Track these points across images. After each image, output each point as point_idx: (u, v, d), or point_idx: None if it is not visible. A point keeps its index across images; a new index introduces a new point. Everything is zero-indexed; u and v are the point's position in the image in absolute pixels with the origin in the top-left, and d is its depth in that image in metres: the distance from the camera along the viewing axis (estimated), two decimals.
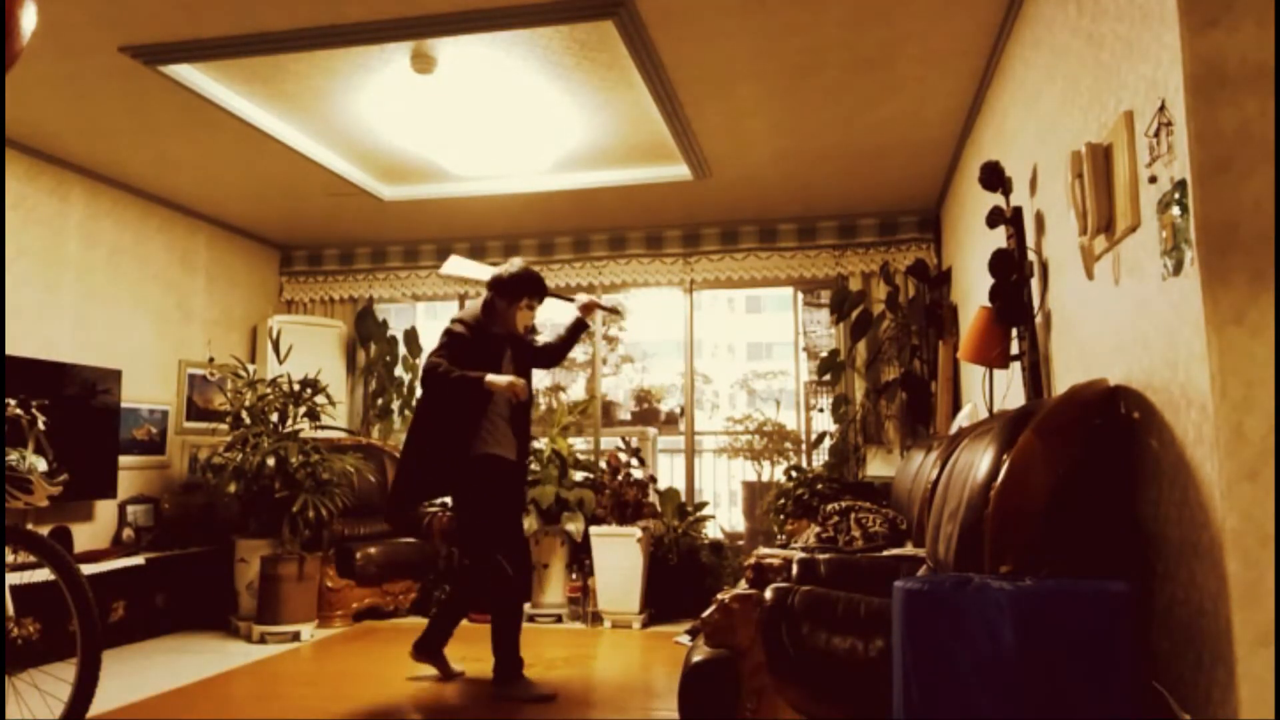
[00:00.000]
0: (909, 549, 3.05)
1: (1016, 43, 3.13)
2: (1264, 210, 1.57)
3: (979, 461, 1.99)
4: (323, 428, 5.18)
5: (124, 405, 4.92)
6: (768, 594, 2.01)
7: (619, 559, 5.02)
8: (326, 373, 5.65)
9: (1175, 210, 1.67)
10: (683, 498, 5.77)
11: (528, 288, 3.67)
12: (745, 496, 6.21)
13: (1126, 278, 2.00)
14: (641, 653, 4.37)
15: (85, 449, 4.58)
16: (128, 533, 4.90)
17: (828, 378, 5.63)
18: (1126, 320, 2.00)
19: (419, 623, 5.07)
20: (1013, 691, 1.44)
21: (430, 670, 3.86)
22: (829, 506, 3.80)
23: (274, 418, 4.97)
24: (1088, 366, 2.32)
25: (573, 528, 5.14)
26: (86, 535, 4.72)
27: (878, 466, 5.41)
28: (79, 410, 4.60)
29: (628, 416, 7.02)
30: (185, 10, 3.17)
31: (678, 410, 6.86)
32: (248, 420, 4.90)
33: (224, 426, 5.00)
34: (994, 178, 3.04)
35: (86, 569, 3.14)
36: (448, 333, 3.61)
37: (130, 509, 4.97)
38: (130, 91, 3.81)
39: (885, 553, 2.97)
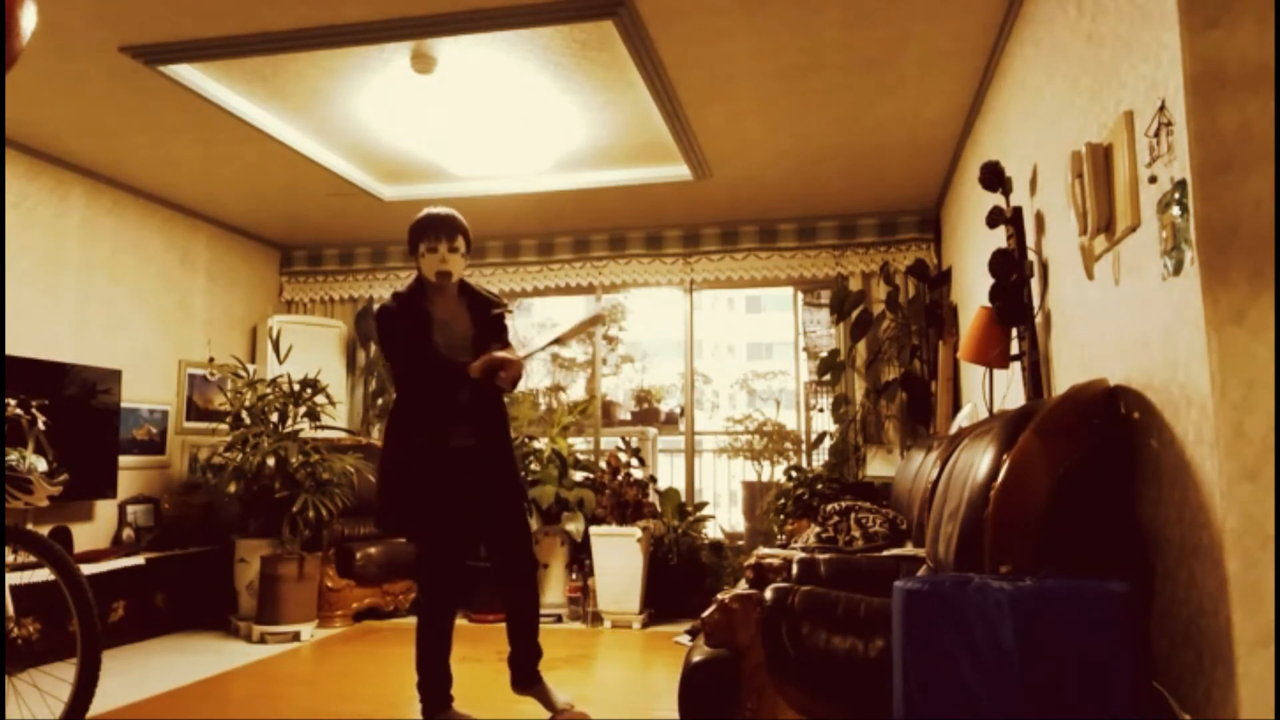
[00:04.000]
0: (909, 549, 3.04)
1: (1016, 42, 3.13)
2: (1264, 210, 1.57)
3: (979, 461, 1.99)
4: (323, 428, 5.18)
5: (124, 405, 4.92)
6: (768, 594, 2.01)
7: (619, 559, 5.02)
8: (326, 373, 5.65)
9: (1175, 210, 1.67)
10: (683, 498, 5.77)
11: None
12: (745, 496, 6.21)
13: (1126, 278, 2.00)
14: (641, 653, 4.37)
15: (85, 449, 4.57)
16: (128, 533, 4.90)
17: (828, 378, 5.63)
18: (1126, 320, 2.00)
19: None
20: (1013, 691, 1.44)
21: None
22: (829, 507, 3.80)
23: (274, 418, 4.97)
24: (1088, 366, 2.32)
25: (573, 528, 5.14)
26: (86, 535, 4.72)
27: (878, 466, 5.41)
28: (79, 410, 4.59)
29: (628, 416, 7.00)
30: (185, 10, 3.17)
31: (678, 410, 6.85)
32: (248, 420, 4.90)
33: (224, 426, 5.00)
34: (994, 178, 3.04)
35: (86, 569, 3.15)
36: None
37: (130, 509, 4.97)
38: (130, 91, 3.81)
39: (885, 553, 2.96)
